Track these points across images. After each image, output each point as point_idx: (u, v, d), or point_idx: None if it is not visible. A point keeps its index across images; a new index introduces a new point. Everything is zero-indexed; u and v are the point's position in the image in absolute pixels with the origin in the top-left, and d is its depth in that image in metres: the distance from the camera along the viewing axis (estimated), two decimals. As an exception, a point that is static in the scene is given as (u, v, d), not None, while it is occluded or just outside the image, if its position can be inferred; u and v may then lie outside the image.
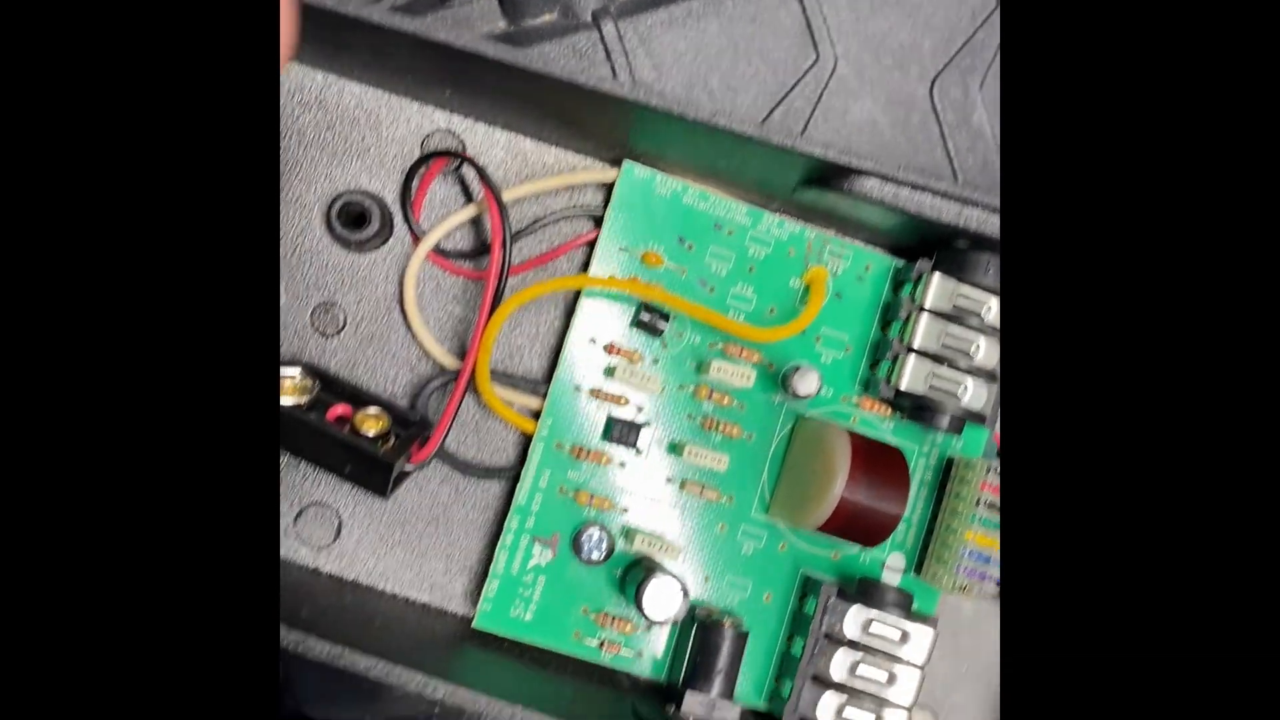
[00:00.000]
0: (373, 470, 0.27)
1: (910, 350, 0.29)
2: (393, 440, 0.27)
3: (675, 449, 0.30)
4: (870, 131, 0.34)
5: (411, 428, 0.28)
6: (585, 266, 0.30)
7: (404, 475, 0.28)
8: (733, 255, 0.30)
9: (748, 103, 0.33)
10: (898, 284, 0.31)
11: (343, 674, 0.36)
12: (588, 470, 0.29)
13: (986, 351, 0.29)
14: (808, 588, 0.30)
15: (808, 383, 0.29)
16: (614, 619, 0.29)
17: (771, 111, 0.33)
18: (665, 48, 0.33)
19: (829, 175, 0.27)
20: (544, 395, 0.29)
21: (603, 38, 0.32)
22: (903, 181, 0.27)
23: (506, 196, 0.29)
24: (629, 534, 0.29)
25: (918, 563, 0.31)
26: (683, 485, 0.30)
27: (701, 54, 0.33)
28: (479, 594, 0.29)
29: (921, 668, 0.28)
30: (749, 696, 0.30)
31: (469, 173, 0.30)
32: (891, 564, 0.31)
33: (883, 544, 0.30)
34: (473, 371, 0.28)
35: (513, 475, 0.30)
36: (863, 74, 0.34)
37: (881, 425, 0.31)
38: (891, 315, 0.30)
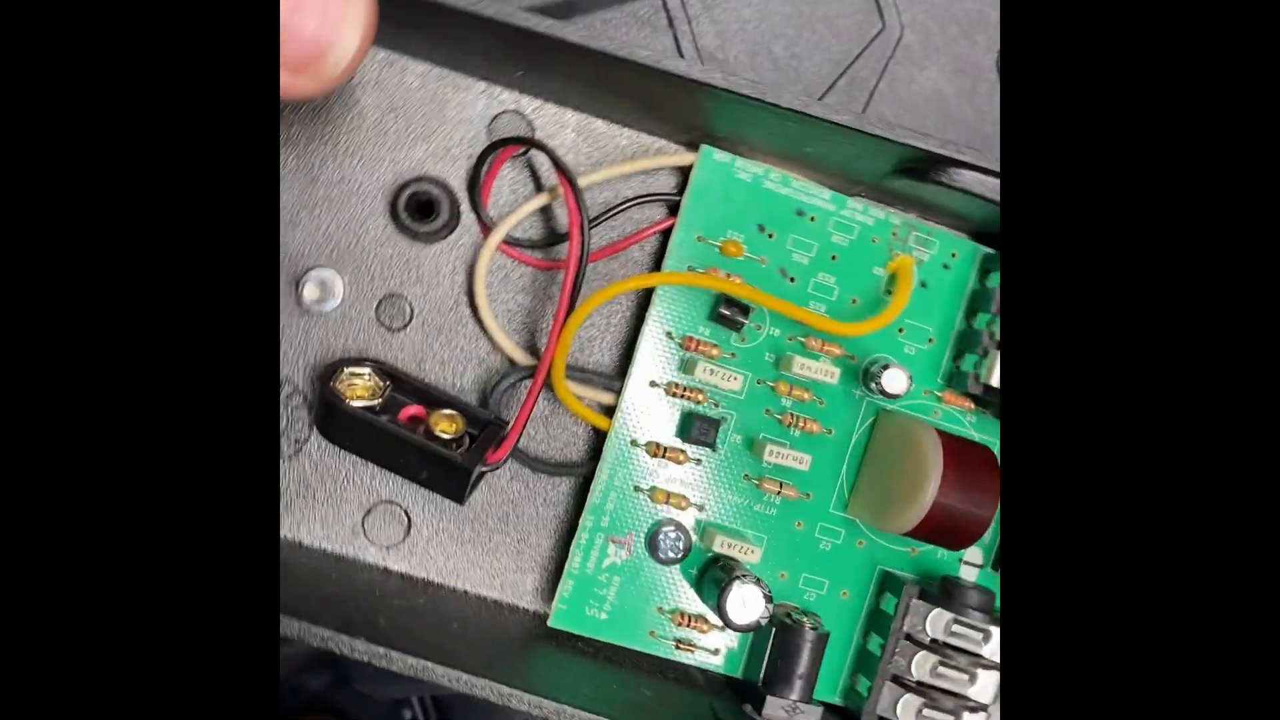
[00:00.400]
0: (450, 475, 0.26)
1: (997, 344, 0.28)
2: (468, 442, 0.26)
3: (753, 445, 0.29)
4: (936, 101, 0.33)
5: (486, 429, 0.27)
6: (660, 254, 0.29)
7: (479, 477, 0.27)
8: (815, 244, 0.29)
9: (812, 71, 0.32)
10: (984, 272, 0.29)
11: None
12: (663, 468, 0.29)
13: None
14: (886, 584, 0.29)
15: (896, 382, 0.28)
16: (690, 618, 0.29)
17: (836, 81, 0.32)
18: (729, 14, 0.31)
19: (925, 166, 0.26)
20: (618, 391, 0.28)
21: (665, 4, 0.31)
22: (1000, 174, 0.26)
23: (580, 183, 0.28)
24: (705, 532, 0.29)
25: (995, 558, 0.30)
26: (760, 482, 0.29)
27: (766, 21, 0.31)
28: (551, 590, 0.29)
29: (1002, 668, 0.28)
30: (824, 692, 0.30)
31: (539, 157, 0.28)
32: (970, 559, 0.30)
33: (963, 541, 0.30)
34: (548, 370, 0.27)
35: (585, 472, 0.29)
36: (929, 43, 0.32)
37: (964, 420, 0.30)
38: (978, 305, 0.29)
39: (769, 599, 0.27)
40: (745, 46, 0.31)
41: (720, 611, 0.27)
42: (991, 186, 0.26)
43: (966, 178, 0.26)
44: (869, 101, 0.32)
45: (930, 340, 0.29)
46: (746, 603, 0.27)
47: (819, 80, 0.31)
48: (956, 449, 0.27)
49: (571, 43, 0.23)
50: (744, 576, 0.27)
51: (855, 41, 0.32)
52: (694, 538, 0.29)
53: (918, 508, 0.27)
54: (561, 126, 0.29)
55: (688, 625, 0.29)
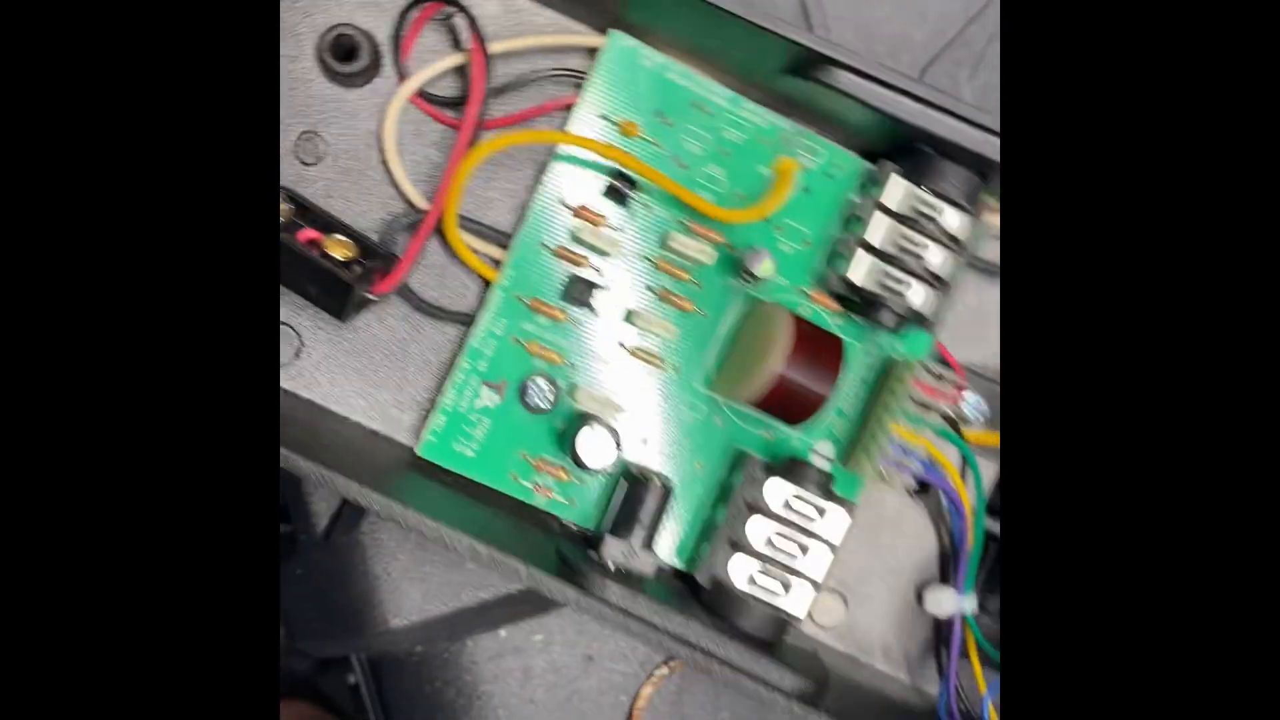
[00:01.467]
0: (334, 292, 0.28)
1: (862, 245, 0.30)
2: (358, 269, 0.28)
3: (630, 317, 0.31)
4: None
5: (377, 259, 0.29)
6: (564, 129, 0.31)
7: (365, 303, 0.29)
8: (709, 136, 0.31)
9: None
10: (863, 186, 0.31)
11: (335, 610, 0.38)
12: (543, 324, 0.31)
13: (937, 258, 0.30)
14: (738, 462, 0.32)
15: (759, 263, 0.30)
16: (551, 465, 0.31)
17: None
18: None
19: (809, 65, 0.28)
20: (508, 247, 0.30)
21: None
22: (877, 79, 0.28)
23: (494, 49, 0.30)
24: (575, 390, 0.31)
25: (845, 454, 0.32)
26: (632, 351, 0.31)
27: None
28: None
29: (834, 546, 0.30)
30: (672, 558, 0.32)
31: (461, 22, 0.30)
32: (820, 450, 0.32)
33: (814, 430, 0.32)
34: (440, 214, 0.29)
35: (470, 321, 0.31)
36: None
37: (829, 320, 0.32)
38: (853, 216, 0.31)
39: (619, 445, 0.29)
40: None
41: (573, 453, 0.29)
42: (871, 92, 0.28)
43: (843, 79, 0.28)
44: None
45: (807, 242, 0.32)
46: (597, 445, 0.29)
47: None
48: (806, 331, 0.29)
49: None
50: (598, 421, 0.29)
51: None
52: (564, 394, 0.31)
53: (763, 376, 0.29)
54: (486, -1, 0.31)
55: (547, 472, 0.31)
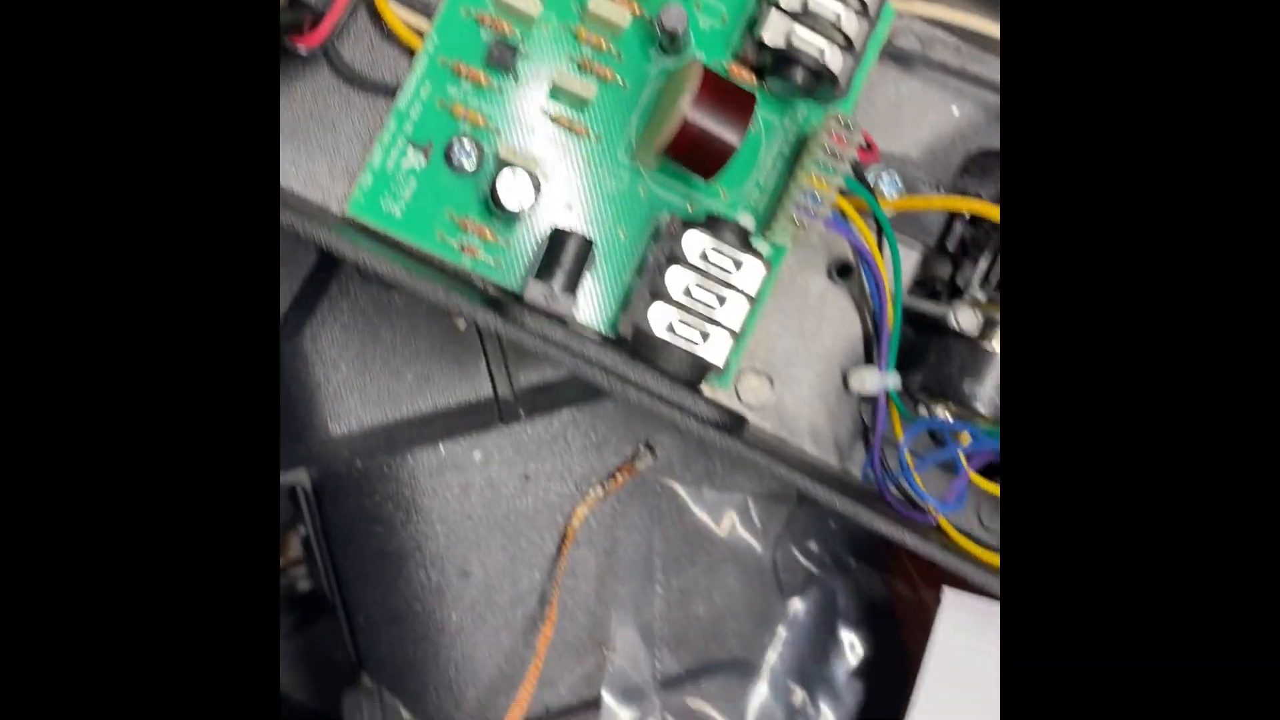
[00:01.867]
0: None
1: (774, 6, 0.31)
2: (287, 16, 0.30)
3: (552, 89, 0.32)
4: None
5: (305, 10, 0.30)
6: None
7: (293, 57, 0.30)
8: (625, -85, 0.33)
9: None
10: (777, -33, 0.33)
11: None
12: (467, 88, 0.32)
13: (847, 21, 0.31)
14: (660, 229, 0.33)
15: (674, 18, 0.31)
16: (477, 226, 0.32)
17: None
18: None
19: None
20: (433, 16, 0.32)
21: None
22: None
23: None
24: (499, 154, 0.32)
25: (765, 226, 0.33)
26: (555, 118, 0.32)
27: None
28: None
29: (751, 297, 0.31)
30: (597, 325, 0.32)
31: None
32: (741, 221, 0.33)
33: (734, 201, 0.33)
34: (368, -26, 0.31)
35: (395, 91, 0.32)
36: None
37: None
38: (766, -6, 0.33)
39: (538, 188, 0.30)
40: None
41: (492, 194, 0.30)
42: None
43: None
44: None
45: (724, 18, 0.33)
46: (516, 187, 0.30)
47: None
48: (715, 81, 0.30)
49: None
50: (519, 166, 0.30)
51: None
52: (489, 159, 0.32)
53: (673, 122, 0.30)
54: None
55: (475, 232, 0.32)
